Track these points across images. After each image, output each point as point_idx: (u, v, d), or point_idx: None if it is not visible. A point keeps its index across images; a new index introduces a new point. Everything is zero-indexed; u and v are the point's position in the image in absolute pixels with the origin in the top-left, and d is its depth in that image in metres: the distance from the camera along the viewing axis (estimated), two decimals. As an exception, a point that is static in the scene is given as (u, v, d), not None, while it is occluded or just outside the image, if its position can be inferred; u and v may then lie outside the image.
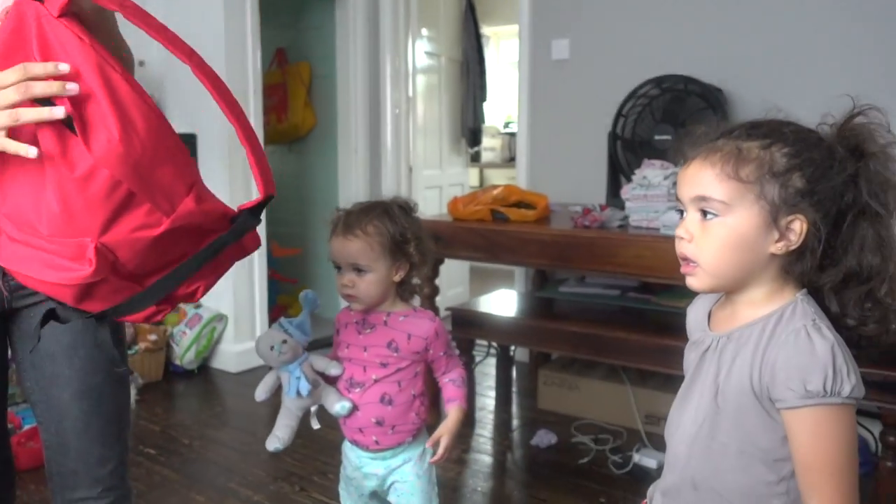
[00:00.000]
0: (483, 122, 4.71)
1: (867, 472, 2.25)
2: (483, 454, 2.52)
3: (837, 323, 0.88)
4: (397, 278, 1.45)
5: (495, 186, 2.63)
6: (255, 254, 3.46)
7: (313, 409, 1.49)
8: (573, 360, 2.92)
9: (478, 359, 2.78)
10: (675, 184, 2.24)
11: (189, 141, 3.36)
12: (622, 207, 2.47)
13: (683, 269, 0.92)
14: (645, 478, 2.26)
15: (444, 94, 4.43)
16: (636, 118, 2.76)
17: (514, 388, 3.07)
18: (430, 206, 4.19)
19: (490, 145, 6.14)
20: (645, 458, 2.34)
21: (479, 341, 2.74)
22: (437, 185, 4.34)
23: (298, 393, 1.42)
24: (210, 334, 3.33)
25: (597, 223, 2.31)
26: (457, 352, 1.57)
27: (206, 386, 3.26)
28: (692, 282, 0.91)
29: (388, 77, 3.94)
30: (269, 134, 4.15)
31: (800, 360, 0.83)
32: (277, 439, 1.45)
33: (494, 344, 2.88)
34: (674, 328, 2.31)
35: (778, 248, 0.87)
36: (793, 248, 0.86)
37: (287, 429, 1.47)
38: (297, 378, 1.42)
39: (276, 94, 4.27)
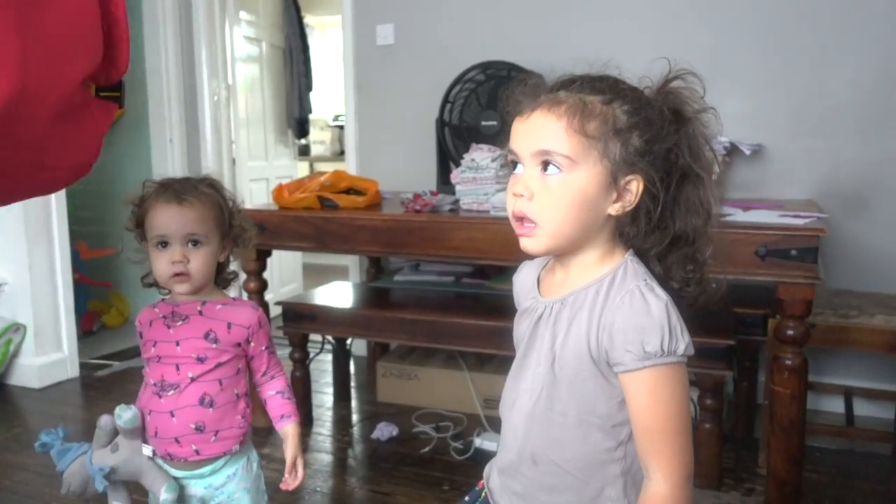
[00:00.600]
0: (310, 112, 4.57)
1: (686, 435, 2.41)
2: (322, 453, 2.42)
3: (662, 286, 0.88)
4: (221, 258, 1.31)
5: (322, 173, 2.52)
6: (57, 257, 3.12)
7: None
8: (411, 350, 2.89)
9: (312, 354, 2.66)
10: (502, 166, 2.28)
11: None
12: (453, 193, 2.46)
13: (519, 230, 0.86)
14: (486, 461, 2.26)
15: (267, 83, 4.24)
16: (463, 104, 2.77)
17: (352, 383, 2.99)
18: (257, 198, 4.00)
19: (320, 138, 5.99)
20: (486, 442, 2.35)
21: (313, 336, 2.63)
22: (263, 177, 4.14)
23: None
24: (5, 347, 2.95)
25: (428, 207, 2.28)
26: (277, 354, 1.42)
27: (2, 405, 2.88)
28: (529, 243, 0.86)
29: (205, 63, 3.70)
30: (70, 123, 3.75)
31: (637, 322, 0.81)
32: None
33: (330, 338, 2.78)
34: (507, 311, 2.32)
35: (615, 208, 0.85)
36: (629, 208, 0.85)
37: None
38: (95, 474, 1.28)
39: (76, 79, 3.87)
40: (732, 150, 2.56)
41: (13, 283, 3.05)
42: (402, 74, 3.19)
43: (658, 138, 0.84)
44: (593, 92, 0.85)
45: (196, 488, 1.32)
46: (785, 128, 2.59)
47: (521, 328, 0.96)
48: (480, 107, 2.73)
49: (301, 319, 2.51)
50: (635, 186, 0.84)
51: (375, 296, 2.67)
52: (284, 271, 4.23)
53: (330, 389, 2.94)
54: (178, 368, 1.27)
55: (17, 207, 2.96)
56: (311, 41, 4.72)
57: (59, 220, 3.13)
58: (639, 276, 0.86)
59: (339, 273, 3.97)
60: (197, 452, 1.29)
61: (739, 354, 2.42)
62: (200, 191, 1.27)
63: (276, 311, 2.67)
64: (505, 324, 2.19)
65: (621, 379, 0.84)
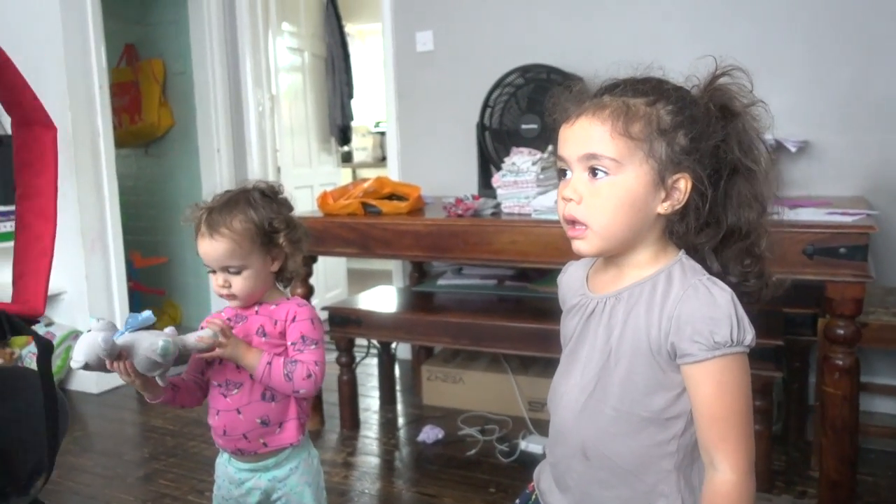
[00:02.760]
0: (352, 119, 4.62)
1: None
2: (369, 455, 2.45)
3: (718, 278, 0.88)
4: (274, 268, 1.36)
5: (365, 180, 2.56)
6: (112, 265, 3.23)
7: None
8: (456, 353, 2.91)
9: (358, 358, 2.70)
10: (543, 169, 2.29)
11: None
12: (494, 197, 2.48)
13: (571, 233, 0.88)
14: (532, 464, 2.26)
15: (309, 92, 4.31)
16: (503, 108, 2.78)
17: (398, 387, 3.02)
18: (302, 205, 4.05)
19: (362, 145, 6.06)
20: (531, 445, 2.36)
21: (359, 341, 2.67)
22: (307, 184, 4.21)
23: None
24: (65, 353, 3.06)
25: (470, 211, 2.29)
26: (316, 356, 1.33)
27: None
28: (581, 246, 0.87)
29: (249, 74, 3.79)
30: (122, 136, 3.88)
31: (705, 313, 0.82)
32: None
33: (375, 342, 2.82)
34: (551, 313, 2.34)
35: (665, 207, 0.86)
36: (678, 206, 0.86)
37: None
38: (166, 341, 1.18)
39: (127, 92, 4.00)
40: (778, 148, 2.51)
41: (71, 292, 3.16)
42: (442, 80, 3.22)
43: (704, 136, 0.85)
44: (636, 94, 0.86)
45: (261, 481, 1.37)
46: (832, 123, 2.54)
47: (569, 325, 0.96)
48: (520, 110, 2.74)
49: (346, 324, 2.56)
50: (683, 185, 0.85)
51: (419, 300, 2.70)
52: (329, 277, 4.30)
53: (376, 393, 2.98)
54: (238, 367, 1.32)
55: (73, 218, 3.08)
56: (351, 49, 4.79)
57: (113, 231, 3.23)
58: (697, 271, 0.87)
59: (383, 278, 4.02)
60: (265, 445, 1.35)
61: (789, 355, 2.38)
62: (234, 220, 1.29)
63: (322, 316, 2.71)
64: (548, 326, 2.20)
65: (687, 370, 0.84)
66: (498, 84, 2.79)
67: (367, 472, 2.34)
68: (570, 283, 0.99)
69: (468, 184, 2.89)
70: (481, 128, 2.81)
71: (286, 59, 4.04)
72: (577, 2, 2.92)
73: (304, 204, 4.06)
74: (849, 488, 1.85)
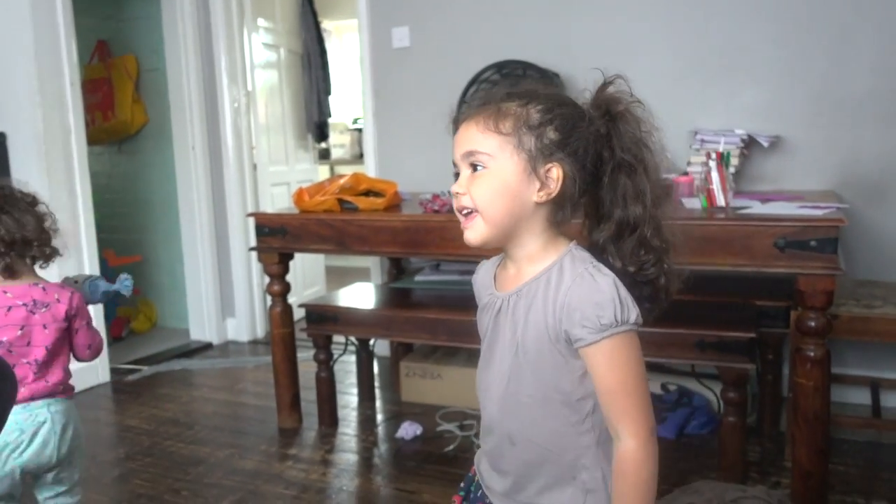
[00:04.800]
0: (329, 116, 4.60)
1: (713, 430, 2.41)
2: (348, 452, 2.45)
3: (623, 275, 0.95)
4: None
5: (342, 176, 2.55)
6: (86, 265, 3.19)
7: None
8: (434, 349, 2.91)
9: (336, 355, 2.69)
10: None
11: (-4, 141, 3.02)
12: (471, 192, 2.48)
13: (463, 224, 0.97)
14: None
15: (286, 89, 4.28)
16: (479, 104, 2.78)
17: (376, 384, 3.02)
18: (279, 202, 4.04)
19: (339, 142, 6.03)
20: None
21: (336, 338, 2.66)
22: (284, 181, 4.19)
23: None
24: (37, 355, 3.01)
25: (446, 207, 2.29)
26: None
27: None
28: (469, 235, 0.96)
29: (224, 70, 3.75)
30: (95, 133, 3.83)
31: (590, 298, 0.90)
32: None
33: (353, 339, 2.81)
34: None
35: (540, 196, 0.94)
36: (553, 195, 0.94)
37: None
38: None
39: (99, 89, 3.95)
40: (750, 143, 2.55)
41: (44, 292, 3.11)
42: (419, 76, 3.21)
43: (575, 130, 0.94)
44: (511, 99, 0.96)
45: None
46: (803, 118, 2.58)
47: (483, 322, 1.05)
48: (497, 106, 2.74)
49: (324, 321, 2.55)
50: (556, 174, 0.93)
51: (397, 296, 2.70)
52: (307, 274, 4.28)
53: (354, 390, 2.97)
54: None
55: (45, 217, 3.03)
56: (328, 46, 4.76)
57: (86, 229, 3.19)
58: (585, 260, 0.94)
59: (361, 275, 4.01)
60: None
61: (763, 348, 2.42)
62: None
63: (299, 313, 2.70)
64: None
65: (583, 353, 0.92)
66: (474, 80, 2.80)
67: (345, 469, 2.33)
68: (482, 281, 1.07)
69: (445, 180, 2.89)
70: (458, 123, 2.80)
71: (262, 55, 4.01)
72: (552, -2, 2.93)
73: (281, 201, 4.04)
74: (821, 478, 1.89)
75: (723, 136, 2.49)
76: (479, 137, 0.94)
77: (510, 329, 0.97)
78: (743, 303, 2.28)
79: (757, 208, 1.98)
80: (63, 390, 1.60)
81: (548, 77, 2.71)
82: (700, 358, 2.05)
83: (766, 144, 2.52)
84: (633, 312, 0.91)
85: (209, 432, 2.64)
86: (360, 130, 5.75)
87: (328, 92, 4.53)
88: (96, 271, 3.23)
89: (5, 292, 1.54)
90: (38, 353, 1.55)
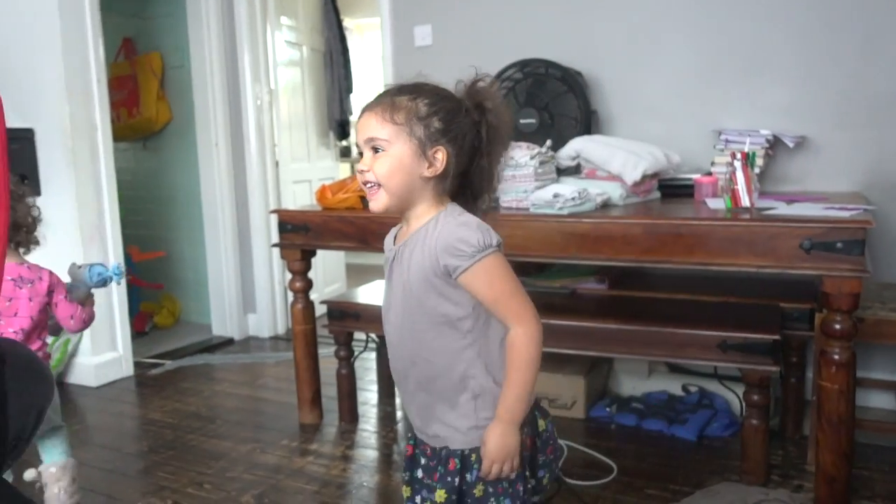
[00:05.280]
0: (350, 113, 4.61)
1: (735, 433, 2.39)
2: (368, 449, 2.46)
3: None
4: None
5: (365, 174, 2.56)
6: (111, 259, 3.22)
7: None
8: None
9: (357, 352, 2.71)
10: (541, 163, 2.29)
11: (25, 136, 3.06)
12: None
13: (368, 195, 1.19)
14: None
15: (308, 86, 4.30)
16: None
17: (395, 380, 3.02)
18: (301, 199, 4.07)
19: (359, 139, 6.04)
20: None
21: (357, 334, 2.67)
22: (306, 178, 4.21)
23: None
24: (63, 347, 3.06)
25: (469, 206, 2.30)
26: None
27: (62, 403, 2.99)
28: (373, 205, 1.18)
29: (248, 68, 3.78)
30: (120, 129, 3.88)
31: (459, 235, 1.13)
32: None
33: (374, 336, 2.83)
34: (549, 307, 2.35)
35: (429, 172, 1.16)
36: (438, 172, 1.16)
37: None
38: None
39: (125, 86, 4.00)
40: (775, 143, 2.52)
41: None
42: (441, 74, 3.18)
43: (455, 121, 1.15)
44: (402, 94, 1.16)
45: None
46: (830, 118, 2.55)
47: (385, 270, 1.27)
48: (518, 105, 2.74)
49: (345, 318, 2.56)
50: (441, 156, 1.15)
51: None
52: (328, 271, 4.30)
53: (374, 387, 2.98)
54: None
55: (71, 212, 3.08)
56: (350, 44, 4.78)
57: (111, 225, 3.23)
58: (455, 211, 1.18)
59: (381, 272, 4.02)
60: None
61: (787, 350, 2.39)
62: None
63: (321, 310, 2.72)
64: (546, 320, 2.20)
65: (463, 279, 1.13)
66: (496, 78, 2.79)
67: (365, 465, 2.34)
68: (387, 243, 1.30)
69: (466, 178, 2.90)
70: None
71: (285, 53, 4.04)
72: (575, -4, 2.92)
73: (302, 198, 4.07)
74: (845, 483, 1.86)
75: (748, 136, 2.47)
76: (377, 127, 1.14)
77: (400, 272, 1.20)
78: (767, 304, 2.26)
79: (782, 209, 1.96)
80: (42, 357, 1.85)
81: (570, 76, 2.70)
82: (723, 359, 2.04)
83: (791, 145, 2.50)
84: (495, 237, 1.13)
85: (231, 427, 2.67)
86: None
87: (350, 90, 4.54)
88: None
89: None
90: (25, 322, 1.80)
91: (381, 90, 1.21)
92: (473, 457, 1.19)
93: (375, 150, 1.15)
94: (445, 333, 1.18)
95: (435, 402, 1.21)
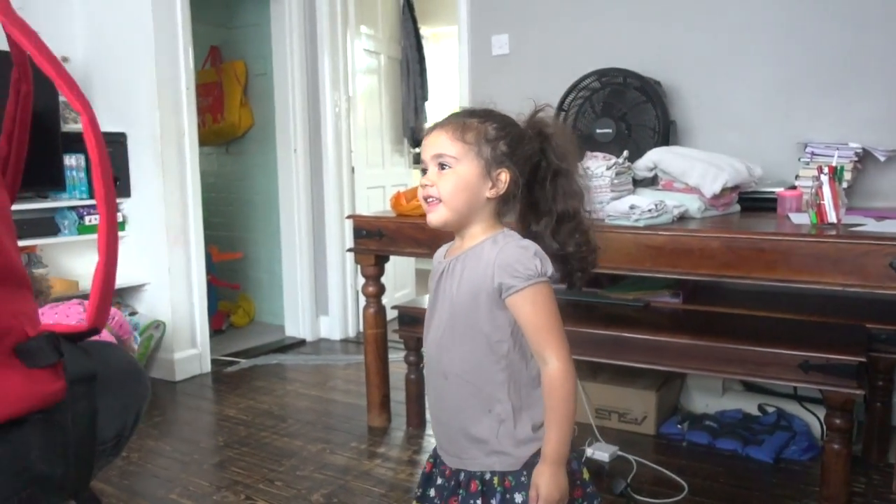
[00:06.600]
0: (425, 122, 4.67)
1: (814, 457, 2.30)
2: (434, 454, 2.48)
3: (558, 256, 1.23)
4: None
5: (439, 182, 2.58)
6: (193, 260, 3.36)
7: None
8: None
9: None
10: (617, 174, 2.27)
11: (118, 140, 3.22)
12: (567, 200, 2.47)
13: (427, 209, 1.22)
14: (599, 471, 2.25)
15: (384, 94, 4.38)
16: (577, 112, 2.77)
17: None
18: (374, 204, 4.13)
19: (432, 146, 6.09)
20: (598, 452, 2.34)
21: (426, 340, 2.70)
22: (380, 184, 4.28)
23: None
24: (146, 342, 3.20)
25: (542, 216, 2.29)
26: None
27: (143, 397, 3.13)
28: (432, 217, 1.22)
29: (327, 76, 3.87)
30: (205, 134, 4.03)
31: (519, 256, 1.16)
32: None
33: (442, 342, 2.84)
34: (623, 319, 2.32)
35: (491, 193, 1.20)
36: (501, 193, 1.20)
37: None
38: None
39: (211, 93, 4.15)
40: (865, 156, 2.42)
41: (154, 284, 3.30)
42: (518, 84, 3.22)
43: (520, 145, 1.21)
44: (473, 116, 1.22)
45: None
46: (926, 132, 2.43)
47: (431, 284, 1.31)
48: (595, 114, 2.72)
49: (415, 323, 2.59)
50: (504, 177, 1.20)
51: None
52: (399, 276, 4.35)
53: (442, 393, 3.00)
54: None
55: (158, 213, 3.22)
56: (426, 52, 4.83)
57: (195, 226, 3.36)
58: (514, 236, 1.21)
59: (452, 279, 4.04)
60: None
61: (872, 373, 2.29)
62: None
63: (391, 314, 2.76)
64: (620, 333, 2.18)
65: (511, 300, 1.16)
66: (573, 88, 2.78)
67: (431, 470, 2.36)
68: (437, 256, 1.34)
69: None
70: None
71: (363, 61, 4.12)
72: (655, 6, 2.88)
73: (375, 204, 4.13)
74: (934, 515, 1.77)
75: (836, 149, 2.38)
76: (447, 144, 1.19)
77: (449, 285, 1.23)
78: (852, 324, 2.17)
79: (871, 226, 1.88)
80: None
81: (649, 85, 2.66)
82: (804, 380, 1.97)
83: (882, 158, 2.39)
84: (549, 268, 1.17)
85: (301, 426, 2.73)
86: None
87: (425, 98, 4.59)
88: (202, 265, 3.40)
89: None
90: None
91: (452, 112, 1.26)
92: (495, 480, 1.20)
93: (442, 166, 1.20)
94: (482, 352, 1.20)
95: (461, 421, 1.23)
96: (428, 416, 2.76)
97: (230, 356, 3.65)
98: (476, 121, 1.20)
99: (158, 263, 3.28)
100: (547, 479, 1.15)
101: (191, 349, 3.37)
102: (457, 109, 1.28)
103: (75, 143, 3.05)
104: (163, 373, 3.31)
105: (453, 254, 1.26)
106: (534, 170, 1.23)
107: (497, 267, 1.16)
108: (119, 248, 0.90)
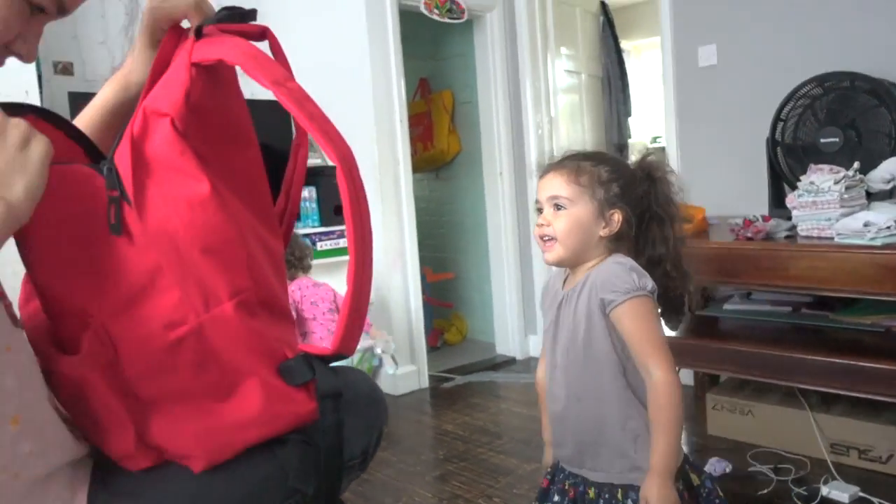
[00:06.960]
0: (629, 137, 4.61)
1: None
2: (649, 480, 2.43)
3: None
4: None
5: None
6: (410, 280, 3.58)
7: None
8: (744, 383, 2.75)
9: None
10: (847, 188, 2.11)
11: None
12: (787, 217, 2.33)
13: (543, 248, 1.32)
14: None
15: (586, 112, 4.38)
16: (797, 121, 2.60)
17: (677, 410, 2.94)
18: (579, 224, 4.14)
19: (636, 158, 5.98)
20: (835, 492, 2.14)
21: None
22: (584, 202, 4.28)
23: None
24: (370, 360, 3.46)
25: (761, 234, 2.18)
26: None
27: (369, 410, 3.38)
28: (548, 255, 1.31)
29: (529, 98, 3.96)
30: (417, 162, 4.29)
31: (616, 272, 1.24)
32: None
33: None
34: (857, 346, 2.14)
35: (605, 232, 1.29)
36: (613, 232, 1.29)
37: None
38: None
39: (421, 122, 4.42)
40: None
41: (376, 304, 3.57)
42: (726, 94, 3.09)
43: (631, 187, 1.30)
44: (586, 160, 1.31)
45: None
46: None
47: (548, 314, 1.39)
48: (818, 123, 2.53)
49: (627, 346, 2.57)
50: (617, 217, 1.29)
51: (703, 324, 2.62)
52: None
53: (655, 416, 2.93)
54: None
55: (378, 237, 3.47)
56: (627, 67, 4.77)
57: (410, 248, 3.59)
58: (616, 256, 1.30)
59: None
60: None
61: None
62: None
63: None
64: (855, 361, 2.01)
65: (614, 314, 1.23)
66: (791, 96, 2.61)
67: (648, 496, 2.32)
68: (552, 285, 1.42)
69: (755, 204, 2.74)
70: (772, 143, 2.64)
71: (564, 81, 4.16)
72: (879, 1, 2.62)
73: (580, 222, 4.14)
74: None
75: None
76: (563, 186, 1.28)
77: (569, 313, 1.31)
78: None
79: None
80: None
81: (882, 87, 2.43)
82: None
83: None
84: (649, 282, 1.23)
85: (516, 444, 2.81)
86: (661, 149, 5.65)
87: (628, 114, 4.54)
88: (418, 285, 3.62)
89: None
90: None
91: (565, 154, 1.36)
92: (619, 493, 1.26)
93: (557, 206, 1.29)
94: (609, 373, 1.27)
95: (595, 440, 1.29)
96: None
97: (445, 372, 3.84)
98: (589, 164, 1.29)
99: (379, 284, 3.54)
100: (656, 490, 1.18)
101: (410, 365, 3.59)
102: (568, 153, 1.36)
103: (310, 176, 3.39)
104: (385, 387, 3.55)
105: (570, 285, 1.34)
106: (641, 211, 1.32)
107: (598, 285, 1.25)
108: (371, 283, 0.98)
